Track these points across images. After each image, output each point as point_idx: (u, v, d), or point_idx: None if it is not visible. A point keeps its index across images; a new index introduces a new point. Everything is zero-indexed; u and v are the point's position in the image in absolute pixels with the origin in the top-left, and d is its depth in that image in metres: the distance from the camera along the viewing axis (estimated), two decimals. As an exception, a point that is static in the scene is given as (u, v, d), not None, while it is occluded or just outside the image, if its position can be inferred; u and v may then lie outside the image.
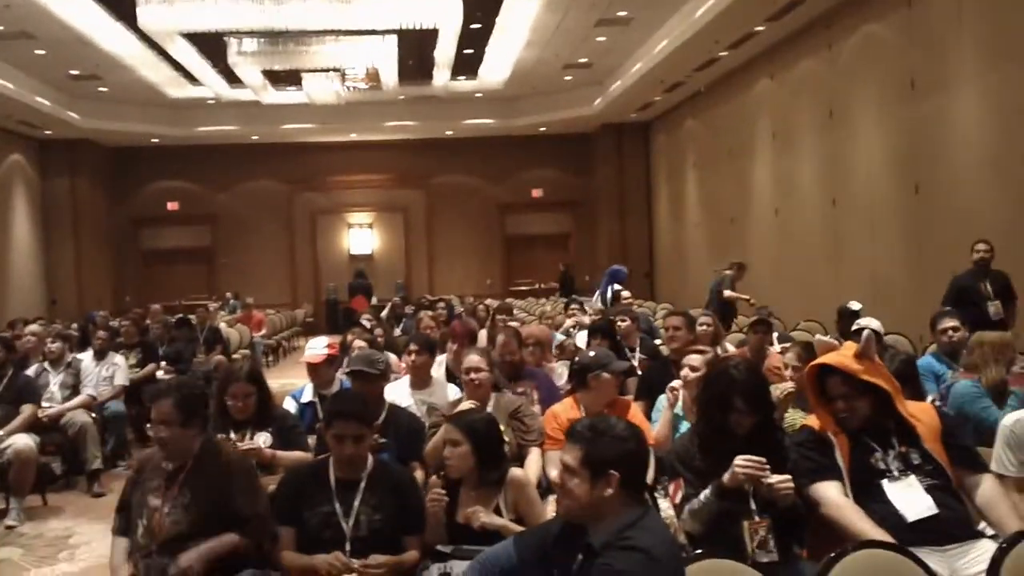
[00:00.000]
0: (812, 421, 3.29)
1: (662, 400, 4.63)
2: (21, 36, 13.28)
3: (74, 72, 15.84)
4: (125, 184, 21.23)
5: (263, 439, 4.33)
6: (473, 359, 4.53)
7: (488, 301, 13.17)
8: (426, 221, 22.26)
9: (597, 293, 11.32)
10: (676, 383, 4.49)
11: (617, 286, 10.71)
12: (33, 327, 8.59)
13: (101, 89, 17.20)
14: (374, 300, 17.74)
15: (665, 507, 3.64)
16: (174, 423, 3.34)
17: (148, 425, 3.45)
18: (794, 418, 4.20)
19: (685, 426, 4.26)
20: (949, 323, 5.83)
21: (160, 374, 9.09)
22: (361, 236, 22.38)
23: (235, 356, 11.73)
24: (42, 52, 14.28)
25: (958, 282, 7.72)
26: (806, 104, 12.53)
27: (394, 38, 14.23)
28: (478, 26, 14.24)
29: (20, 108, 16.05)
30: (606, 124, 19.88)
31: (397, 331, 10.33)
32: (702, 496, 3.04)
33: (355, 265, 21.26)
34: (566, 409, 4.33)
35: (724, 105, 15.79)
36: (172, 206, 21.65)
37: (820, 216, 12.13)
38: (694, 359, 4.51)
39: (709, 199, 16.89)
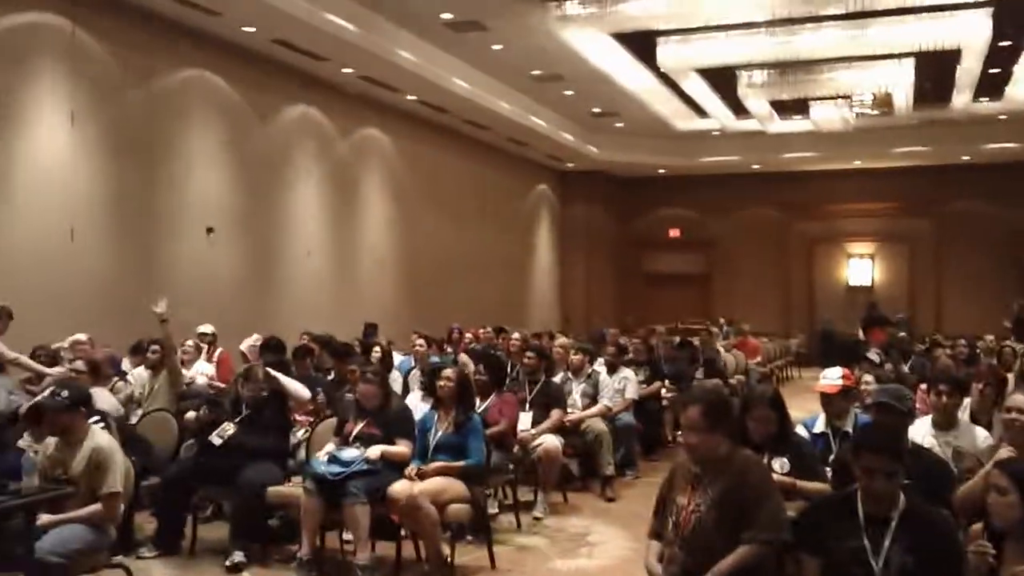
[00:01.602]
0: None
1: None
2: (554, 79, 14.85)
3: (595, 110, 17.31)
4: (632, 211, 22.70)
5: (780, 464, 4.39)
6: (1017, 399, 4.22)
7: (1011, 342, 11.90)
8: (934, 252, 20.76)
9: None
10: None
11: None
12: (562, 340, 9.50)
13: (617, 124, 18.58)
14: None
15: None
16: (701, 429, 3.55)
17: (678, 432, 3.71)
18: None
19: None
20: None
21: (663, 392, 9.59)
22: (861, 266, 21.53)
23: (731, 381, 11.92)
24: (570, 92, 15.82)
25: None
26: None
27: (911, 60, 13.54)
28: (1008, 43, 12.98)
29: (549, 143, 18.02)
30: None
31: (904, 368, 9.77)
32: None
33: (852, 296, 20.53)
34: None
35: None
36: (673, 232, 22.68)
37: None
38: None
39: None
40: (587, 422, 7.77)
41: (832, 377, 5.11)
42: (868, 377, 6.26)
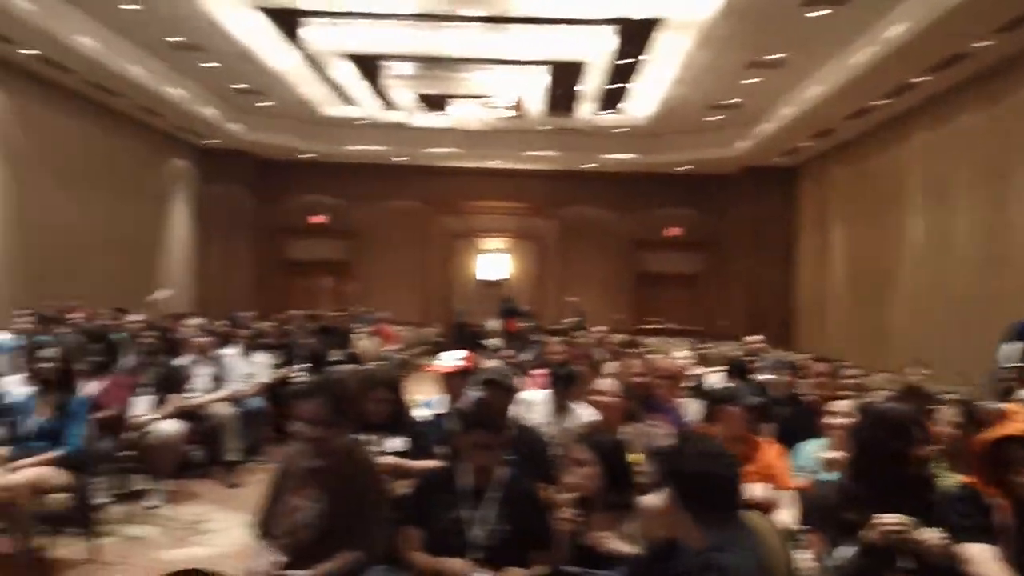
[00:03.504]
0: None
1: (807, 446, 4.52)
2: (193, 48, 14.07)
3: (239, 86, 16.67)
4: (274, 195, 22.10)
5: (397, 444, 4.46)
6: (604, 383, 4.61)
7: (616, 335, 13.08)
8: (559, 252, 22.37)
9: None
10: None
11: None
12: (194, 320, 9.01)
13: (262, 104, 18.04)
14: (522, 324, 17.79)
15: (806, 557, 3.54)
16: (320, 422, 3.41)
17: (290, 423, 3.54)
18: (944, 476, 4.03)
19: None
20: None
21: (293, 375, 9.44)
22: (495, 262, 22.69)
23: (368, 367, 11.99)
24: (212, 65, 15.09)
25: None
26: (965, 159, 12.06)
27: (544, 68, 14.45)
28: (629, 61, 14.27)
29: (186, 117, 17.02)
30: (749, 166, 19.57)
31: (524, 356, 10.40)
32: (845, 551, 2.92)
33: (486, 289, 21.57)
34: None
35: (876, 155, 15.33)
36: (315, 219, 22.45)
37: (975, 275, 11.61)
38: (842, 405, 4.39)
39: (855, 249, 16.40)
40: (211, 407, 7.46)
41: (451, 359, 5.31)
42: (487, 362, 6.57)
